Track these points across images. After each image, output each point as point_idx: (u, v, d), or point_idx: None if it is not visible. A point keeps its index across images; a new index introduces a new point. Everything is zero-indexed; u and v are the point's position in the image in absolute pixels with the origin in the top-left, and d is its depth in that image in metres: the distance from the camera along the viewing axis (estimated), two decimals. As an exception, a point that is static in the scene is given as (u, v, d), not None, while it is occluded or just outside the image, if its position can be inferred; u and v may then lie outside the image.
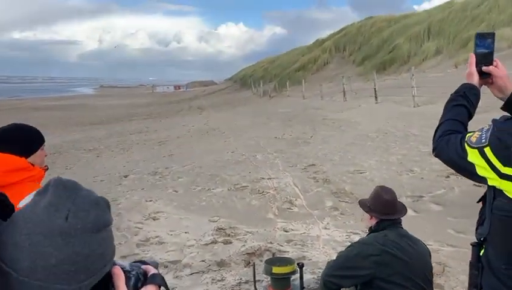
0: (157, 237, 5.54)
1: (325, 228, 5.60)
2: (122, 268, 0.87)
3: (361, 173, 7.72)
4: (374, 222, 2.89)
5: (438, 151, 1.64)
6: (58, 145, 15.35)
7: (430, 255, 2.91)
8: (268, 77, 42.57)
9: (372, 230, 2.92)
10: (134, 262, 1.00)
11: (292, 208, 6.40)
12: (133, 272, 0.90)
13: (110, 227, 0.84)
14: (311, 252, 4.87)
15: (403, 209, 2.94)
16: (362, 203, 2.99)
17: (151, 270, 0.93)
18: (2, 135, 2.07)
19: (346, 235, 5.26)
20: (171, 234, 5.63)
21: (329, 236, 5.32)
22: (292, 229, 5.62)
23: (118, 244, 5.28)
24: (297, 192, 7.02)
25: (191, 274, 4.51)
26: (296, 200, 6.67)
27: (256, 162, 9.33)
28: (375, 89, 17.54)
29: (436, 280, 4.02)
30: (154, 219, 6.22)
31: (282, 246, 5.06)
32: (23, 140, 2.12)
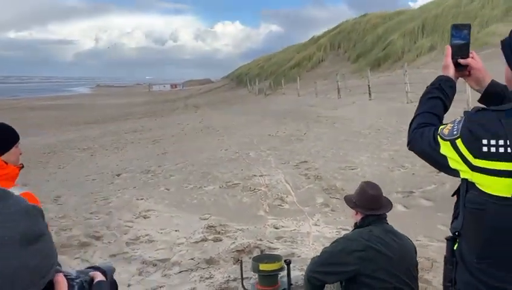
0: (147, 235, 5.51)
1: (316, 225, 5.59)
2: (66, 276, 0.83)
3: (352, 169, 7.71)
4: (359, 217, 2.87)
5: (412, 144, 1.63)
6: (53, 145, 15.31)
7: (416, 251, 2.89)
8: (264, 75, 42.52)
9: (357, 226, 2.91)
10: (87, 268, 0.96)
11: (283, 205, 6.39)
12: (77, 280, 0.86)
13: (47, 236, 0.78)
14: (301, 248, 4.86)
15: (388, 205, 2.93)
16: (348, 199, 2.98)
17: (98, 277, 0.90)
18: None
19: (337, 232, 5.25)
20: (161, 232, 5.60)
21: (319, 233, 5.31)
22: (282, 226, 5.61)
23: (107, 243, 5.28)
24: (289, 189, 7.01)
25: (180, 272, 4.48)
26: (287, 197, 6.65)
27: (249, 159, 9.31)
28: (369, 85, 17.55)
29: (424, 275, 4.02)
30: (144, 217, 6.19)
31: (272, 243, 5.05)
32: (2, 138, 2.09)
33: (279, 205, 6.38)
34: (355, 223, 2.93)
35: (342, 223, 5.52)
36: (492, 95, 1.68)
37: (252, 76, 43.62)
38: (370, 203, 2.81)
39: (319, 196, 6.61)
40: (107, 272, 1.00)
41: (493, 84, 1.72)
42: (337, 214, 5.86)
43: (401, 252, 2.67)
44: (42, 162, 11.83)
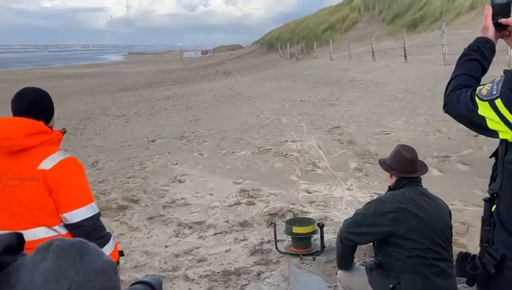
0: (182, 198, 5.66)
1: (348, 189, 5.60)
2: None
3: (387, 134, 7.61)
4: (393, 180, 2.87)
5: (448, 107, 1.60)
6: (89, 112, 15.69)
7: (451, 214, 2.87)
8: (295, 39, 41.72)
9: (390, 188, 2.91)
10: (136, 284, 0.96)
11: (315, 170, 6.41)
12: None
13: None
14: (334, 212, 4.90)
15: (423, 168, 2.90)
16: (382, 162, 2.97)
17: None
18: (25, 98, 2.09)
19: (370, 196, 5.24)
20: (196, 196, 5.75)
21: (352, 197, 5.32)
22: (315, 191, 5.65)
23: (144, 206, 5.47)
24: (321, 154, 6.99)
25: (215, 234, 4.62)
26: (319, 162, 6.66)
27: (280, 125, 9.31)
28: (404, 48, 16.99)
29: (459, 239, 4.00)
30: (180, 182, 6.35)
31: (304, 207, 5.11)
32: (48, 105, 2.16)
33: (311, 170, 6.40)
34: (389, 186, 2.93)
35: (375, 187, 5.50)
36: None
37: (283, 40, 42.86)
38: (405, 166, 2.79)
39: (352, 161, 6.58)
40: (157, 287, 1.00)
41: None
42: (371, 179, 5.84)
43: (434, 215, 2.66)
44: (79, 128, 12.18)
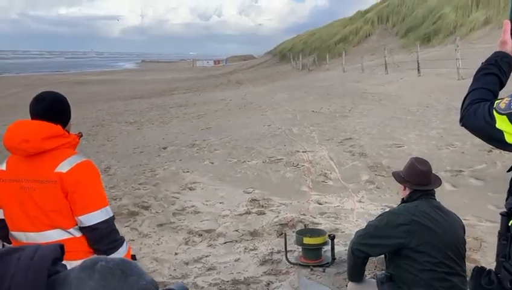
0: (192, 206, 5.67)
1: (360, 201, 5.56)
2: None
3: (399, 146, 7.57)
4: (407, 192, 2.86)
5: (465, 120, 1.59)
6: (101, 118, 15.83)
7: (464, 229, 2.85)
8: (307, 50, 41.83)
9: (404, 201, 2.90)
10: None
11: (327, 181, 6.39)
12: None
13: None
14: (344, 224, 4.87)
15: (436, 181, 2.89)
16: (396, 174, 2.96)
17: None
18: (43, 102, 2.11)
19: (381, 209, 5.20)
20: (207, 204, 5.75)
21: (363, 209, 5.29)
22: (326, 202, 5.62)
23: (155, 213, 5.48)
24: (333, 165, 6.97)
25: (225, 243, 4.61)
26: (331, 173, 6.63)
27: (292, 135, 9.31)
28: (418, 61, 16.95)
29: (472, 255, 3.94)
30: (190, 189, 6.36)
31: (315, 218, 5.08)
32: (65, 108, 2.18)
33: (322, 181, 6.38)
34: (403, 199, 2.92)
35: (387, 200, 5.46)
36: None
37: (295, 51, 43.02)
38: (418, 179, 2.78)
39: (364, 173, 6.55)
40: None
41: None
42: (383, 192, 5.80)
43: (448, 228, 2.64)
44: (91, 134, 12.27)
